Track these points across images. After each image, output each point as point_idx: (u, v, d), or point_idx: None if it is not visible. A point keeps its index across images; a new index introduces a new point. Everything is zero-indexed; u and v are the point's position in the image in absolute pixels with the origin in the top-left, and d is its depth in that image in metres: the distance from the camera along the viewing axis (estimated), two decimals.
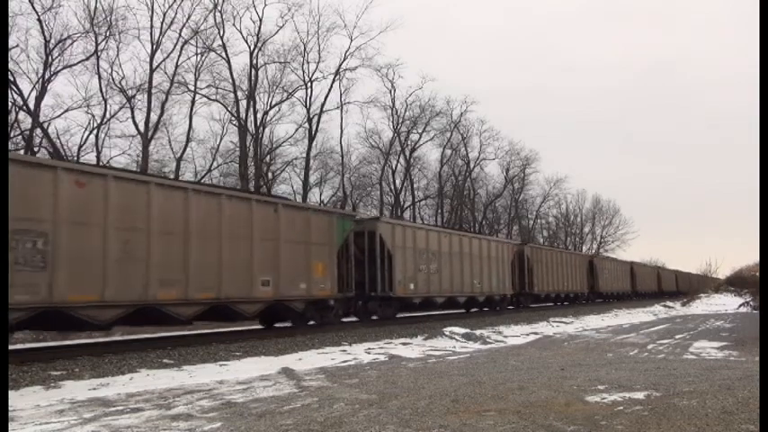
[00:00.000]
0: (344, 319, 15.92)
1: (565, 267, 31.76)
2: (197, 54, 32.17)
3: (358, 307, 16.92)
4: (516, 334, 14.48)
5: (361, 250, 16.80)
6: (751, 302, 26.73)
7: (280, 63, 35.78)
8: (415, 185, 47.53)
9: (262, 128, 35.83)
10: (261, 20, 33.86)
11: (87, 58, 28.18)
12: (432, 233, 20.21)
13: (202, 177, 33.98)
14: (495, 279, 23.70)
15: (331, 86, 37.92)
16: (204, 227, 11.51)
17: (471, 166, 51.17)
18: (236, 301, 12.08)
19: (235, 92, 33.73)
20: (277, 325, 14.67)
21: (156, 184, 11.04)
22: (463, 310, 22.56)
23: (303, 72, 36.81)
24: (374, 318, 17.12)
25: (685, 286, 59.24)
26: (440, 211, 49.34)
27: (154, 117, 30.26)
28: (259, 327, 14.55)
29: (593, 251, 64.99)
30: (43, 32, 26.40)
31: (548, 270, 29.30)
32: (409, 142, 46.11)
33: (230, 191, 14.31)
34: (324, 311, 14.76)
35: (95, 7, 28.06)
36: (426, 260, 19.13)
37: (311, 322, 14.53)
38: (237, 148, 35.08)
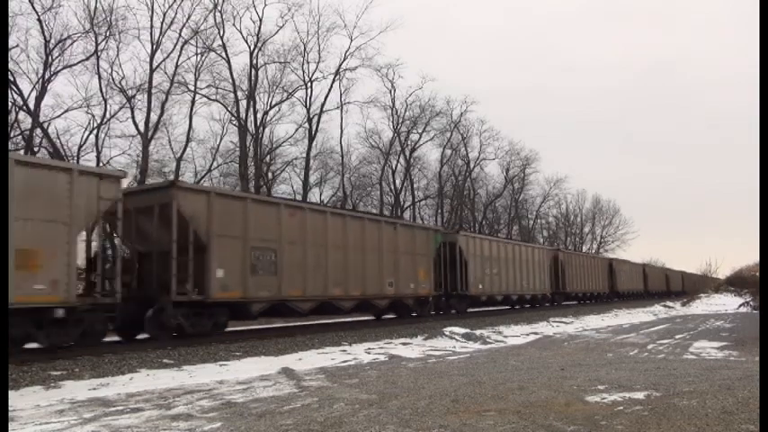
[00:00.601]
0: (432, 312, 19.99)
1: (590, 269, 35.57)
2: (197, 54, 32.18)
3: (441, 302, 20.70)
4: (516, 334, 14.48)
5: (443, 258, 20.60)
6: (751, 302, 26.72)
7: (280, 63, 35.80)
8: (415, 185, 47.56)
9: (262, 128, 35.85)
10: (261, 20, 33.89)
11: (87, 58, 28.19)
12: (493, 243, 24.63)
13: (202, 177, 34.00)
14: (538, 280, 27.94)
15: (331, 86, 37.95)
16: (355, 242, 15.81)
17: (471, 166, 51.21)
18: (374, 297, 16.59)
19: (235, 92, 33.75)
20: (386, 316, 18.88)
21: (331, 213, 15.69)
22: (518, 307, 26.55)
23: (303, 72, 36.84)
24: (452, 311, 21.04)
25: (690, 286, 59.28)
26: (440, 211, 49.34)
27: (154, 117, 30.26)
28: (259, 327, 14.72)
29: (594, 251, 65.01)
30: (43, 32, 26.41)
31: (576, 272, 33.12)
32: (409, 142, 46.13)
33: (368, 215, 19.32)
34: (423, 306, 18.98)
35: (95, 7, 28.06)
36: (490, 265, 23.30)
37: (413, 314, 18.63)
38: (237, 148, 35.07)
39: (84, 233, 10.23)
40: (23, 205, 9.09)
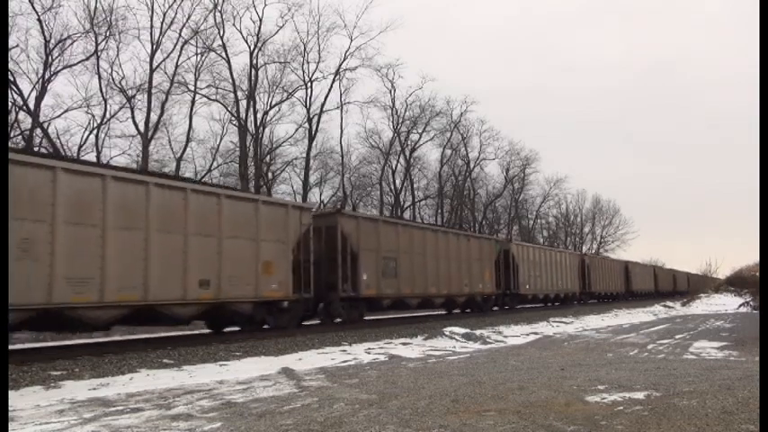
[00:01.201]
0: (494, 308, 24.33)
1: (609, 272, 40.11)
2: (197, 54, 32.24)
3: (498, 300, 24.56)
4: (516, 334, 14.48)
5: (500, 263, 24.61)
6: (751, 302, 26.72)
7: (280, 63, 35.85)
8: (415, 185, 47.63)
9: (262, 128, 35.87)
10: (261, 20, 33.95)
11: (87, 58, 28.23)
12: (536, 249, 29.28)
13: (202, 177, 34.00)
14: (569, 281, 32.20)
15: (331, 86, 37.99)
16: (444, 252, 20.17)
17: (471, 166, 51.27)
18: (456, 295, 21.01)
19: (235, 92, 33.77)
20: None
21: (430, 230, 20.38)
22: (558, 303, 30.62)
23: (303, 72, 36.88)
24: (506, 307, 25.11)
25: (683, 286, 59.32)
26: (440, 211, 49.36)
27: (154, 117, 30.32)
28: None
29: (594, 251, 65.03)
30: (43, 32, 26.45)
31: (599, 274, 37.47)
32: (409, 142, 46.18)
33: (451, 230, 24.21)
34: (487, 303, 23.22)
35: (95, 7, 28.12)
36: (535, 268, 27.59)
37: (467, 310, 22.76)
38: (237, 148, 35.09)
39: (292, 249, 13.80)
40: (264, 231, 12.91)
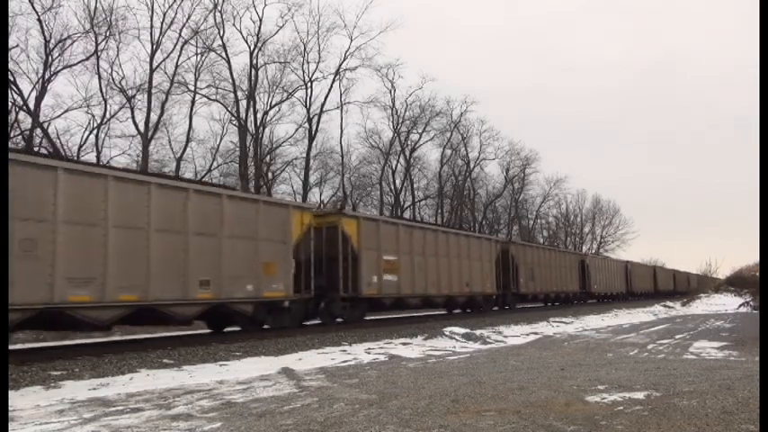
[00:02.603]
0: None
1: (609, 272, 40.33)
2: (197, 54, 32.21)
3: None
4: (516, 334, 14.48)
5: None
6: (751, 302, 26.71)
7: (280, 63, 35.82)
8: (415, 185, 47.58)
9: (262, 128, 35.85)
10: (261, 20, 33.91)
11: (87, 58, 28.20)
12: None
13: (202, 177, 33.97)
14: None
15: (331, 86, 37.97)
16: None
17: (471, 166, 51.22)
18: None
19: (235, 92, 33.75)
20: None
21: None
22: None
23: (303, 72, 36.86)
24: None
25: (683, 286, 59.31)
26: (440, 211, 49.34)
27: (154, 117, 30.28)
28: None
29: (594, 251, 65.04)
30: (43, 32, 26.42)
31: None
32: (409, 142, 46.15)
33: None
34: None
35: (95, 7, 28.09)
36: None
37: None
38: (237, 148, 35.08)
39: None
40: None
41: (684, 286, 60.00)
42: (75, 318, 9.44)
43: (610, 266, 41.68)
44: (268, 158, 37.96)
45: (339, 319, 16.07)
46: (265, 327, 13.42)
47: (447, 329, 13.36)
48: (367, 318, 17.21)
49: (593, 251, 65.11)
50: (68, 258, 9.16)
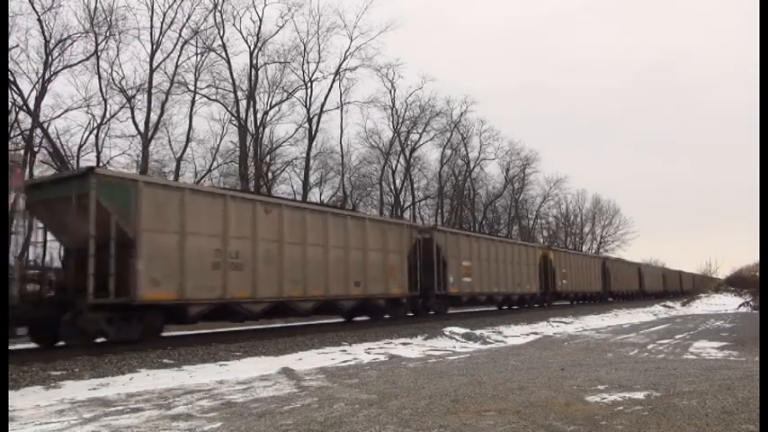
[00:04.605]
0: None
1: (626, 273, 43.51)
2: (197, 54, 32.22)
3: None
4: (516, 334, 14.47)
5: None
6: (751, 302, 26.70)
7: (280, 63, 35.84)
8: (415, 185, 47.60)
9: (262, 128, 35.87)
10: (261, 20, 33.95)
11: (87, 58, 28.22)
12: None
13: (202, 177, 34.03)
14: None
15: (331, 86, 37.99)
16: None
17: (471, 166, 51.26)
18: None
19: (235, 92, 33.77)
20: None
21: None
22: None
23: (303, 72, 36.88)
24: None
25: (688, 286, 59.46)
26: (440, 211, 49.35)
27: (154, 117, 30.29)
28: (260, 327, 14.71)
29: (594, 251, 65.05)
30: (43, 32, 26.44)
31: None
32: (409, 142, 46.16)
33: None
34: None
35: (95, 7, 28.11)
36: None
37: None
38: (237, 148, 35.08)
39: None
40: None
41: (689, 286, 60.28)
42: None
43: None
44: (268, 158, 37.98)
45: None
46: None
47: (447, 329, 13.35)
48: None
49: (594, 251, 65.13)
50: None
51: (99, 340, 10.39)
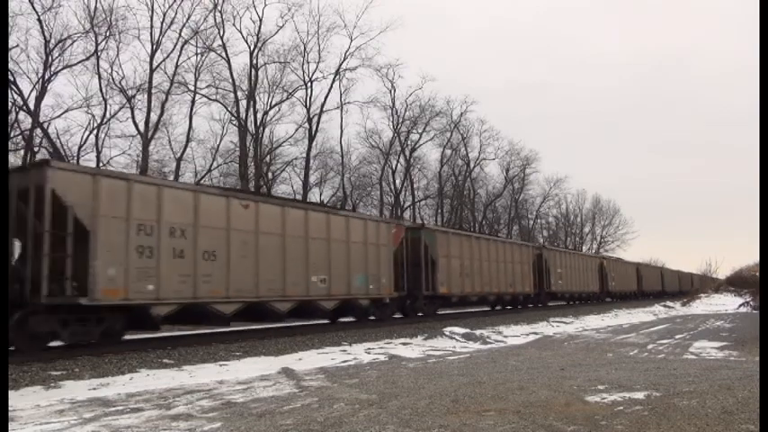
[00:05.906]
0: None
1: (624, 273, 42.77)
2: (197, 54, 32.22)
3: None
4: (516, 334, 14.48)
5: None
6: (751, 302, 26.70)
7: (280, 63, 35.84)
8: (415, 185, 47.59)
9: (262, 128, 35.86)
10: (261, 20, 33.95)
11: (87, 58, 28.22)
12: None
13: (202, 177, 34.00)
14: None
15: (331, 86, 37.99)
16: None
17: (471, 166, 51.25)
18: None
19: (235, 92, 33.76)
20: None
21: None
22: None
23: (303, 72, 36.88)
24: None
25: (687, 286, 59.50)
26: (440, 211, 49.34)
27: (154, 117, 30.29)
28: (260, 327, 14.74)
29: (594, 251, 65.05)
30: (43, 32, 26.44)
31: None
32: (409, 142, 46.16)
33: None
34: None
35: (95, 7, 28.11)
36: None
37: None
38: (237, 148, 35.07)
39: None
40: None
41: (688, 286, 60.37)
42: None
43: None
44: (268, 158, 37.97)
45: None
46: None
47: (447, 329, 13.36)
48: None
49: (594, 251, 65.14)
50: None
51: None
